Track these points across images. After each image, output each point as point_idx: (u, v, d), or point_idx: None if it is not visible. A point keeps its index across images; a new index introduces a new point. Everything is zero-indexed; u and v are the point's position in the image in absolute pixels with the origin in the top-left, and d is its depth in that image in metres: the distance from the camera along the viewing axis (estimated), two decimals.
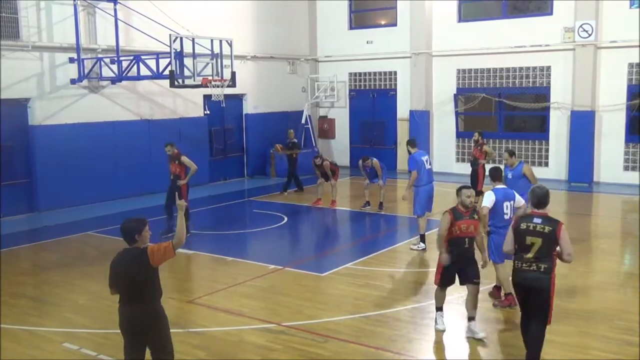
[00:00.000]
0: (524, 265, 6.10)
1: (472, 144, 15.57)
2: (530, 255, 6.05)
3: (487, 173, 14.35)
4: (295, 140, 18.03)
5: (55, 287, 9.55)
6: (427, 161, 11.50)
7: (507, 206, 8.17)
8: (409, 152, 11.66)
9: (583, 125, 18.03)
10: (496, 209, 8.10)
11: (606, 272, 9.97)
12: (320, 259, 11.34)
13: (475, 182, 14.72)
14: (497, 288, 8.55)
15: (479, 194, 14.02)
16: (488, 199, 8.09)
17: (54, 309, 8.65)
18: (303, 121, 21.76)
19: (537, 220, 6.06)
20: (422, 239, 11.30)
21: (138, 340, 5.34)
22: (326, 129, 23.04)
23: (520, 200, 8.35)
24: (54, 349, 7.19)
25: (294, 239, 13.17)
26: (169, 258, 5.35)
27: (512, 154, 10.77)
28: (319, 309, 8.41)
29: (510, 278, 6.55)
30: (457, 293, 8.81)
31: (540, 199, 6.16)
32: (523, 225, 6.12)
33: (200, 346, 7.17)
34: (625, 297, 8.85)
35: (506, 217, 8.19)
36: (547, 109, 18.93)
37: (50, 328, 7.85)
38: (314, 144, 21.76)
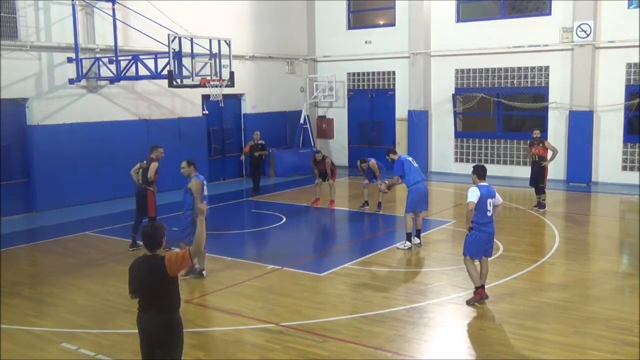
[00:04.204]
0: None
1: (531, 143, 14.80)
2: None
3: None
4: (263, 142, 17.64)
5: (53, 287, 9.54)
6: (412, 160, 11.54)
7: (490, 203, 8.31)
8: (393, 160, 11.64)
9: (581, 125, 18.06)
10: (480, 205, 8.22)
11: (604, 272, 9.97)
12: (318, 259, 11.34)
13: (542, 180, 14.56)
14: (482, 287, 8.52)
15: (542, 190, 14.52)
16: (474, 194, 8.20)
17: (52, 309, 8.64)
18: (301, 121, 21.77)
19: None
20: (409, 237, 11.30)
21: (152, 348, 5.21)
22: (324, 128, 23.06)
23: (499, 198, 8.49)
24: (52, 349, 7.17)
25: (293, 239, 13.16)
26: (187, 267, 5.16)
27: (190, 163, 9.70)
28: (317, 309, 8.41)
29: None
30: (455, 293, 8.84)
31: None
32: None
33: (198, 346, 7.16)
34: (623, 297, 8.86)
35: (489, 214, 8.32)
36: (546, 109, 18.94)
37: (49, 328, 7.84)
38: (312, 144, 21.76)
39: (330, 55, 22.67)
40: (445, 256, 11.04)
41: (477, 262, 8.54)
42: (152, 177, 11.42)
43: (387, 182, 12.25)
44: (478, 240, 8.34)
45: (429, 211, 13.96)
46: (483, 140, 20.28)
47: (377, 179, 14.57)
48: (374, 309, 8.28)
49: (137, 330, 5.31)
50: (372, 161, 14.59)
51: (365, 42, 21.81)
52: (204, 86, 14.60)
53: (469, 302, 8.40)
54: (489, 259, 8.69)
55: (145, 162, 11.62)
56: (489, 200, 8.28)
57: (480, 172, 8.50)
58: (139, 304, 5.27)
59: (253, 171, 17.65)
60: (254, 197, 16.98)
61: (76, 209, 15.16)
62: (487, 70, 19.78)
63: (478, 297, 8.38)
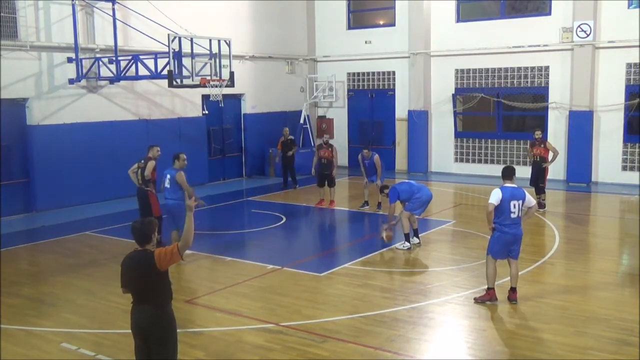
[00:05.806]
0: None
1: (532, 143, 14.67)
2: None
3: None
4: (292, 137, 18.23)
5: (53, 287, 9.54)
6: (409, 182, 11.74)
7: (514, 205, 8.10)
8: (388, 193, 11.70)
9: (581, 125, 18.06)
10: (502, 207, 8.09)
11: (604, 272, 9.98)
12: (318, 259, 11.34)
13: (542, 180, 14.50)
14: (513, 290, 8.47)
15: (542, 190, 14.47)
16: (494, 196, 8.10)
17: (52, 309, 8.64)
18: (301, 121, 21.78)
19: None
20: (407, 238, 11.31)
21: (145, 342, 5.31)
22: (324, 128, 23.01)
23: (531, 200, 8.31)
24: (52, 349, 7.18)
25: (293, 239, 13.17)
26: (176, 261, 5.30)
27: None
28: (317, 309, 8.40)
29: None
30: (455, 293, 8.84)
31: None
32: None
33: (198, 346, 7.17)
34: (623, 297, 8.85)
35: (513, 215, 8.13)
36: (546, 109, 18.95)
37: (49, 328, 7.84)
38: (312, 144, 21.76)
39: (330, 55, 22.67)
40: (445, 256, 11.05)
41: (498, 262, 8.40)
42: (149, 175, 11.44)
43: (386, 225, 11.82)
44: (500, 240, 8.21)
45: (430, 211, 13.97)
46: (483, 140, 20.28)
47: (377, 178, 14.59)
48: (374, 309, 8.28)
49: None
50: (376, 156, 14.58)
51: (365, 42, 21.81)
52: (204, 86, 14.60)
53: (477, 300, 8.39)
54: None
55: (143, 162, 11.66)
56: (512, 202, 8.08)
57: (505, 173, 8.38)
58: (132, 297, 5.38)
59: (285, 167, 18.28)
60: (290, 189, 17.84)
61: (76, 209, 15.15)
62: (487, 70, 19.78)
63: (487, 298, 8.35)
